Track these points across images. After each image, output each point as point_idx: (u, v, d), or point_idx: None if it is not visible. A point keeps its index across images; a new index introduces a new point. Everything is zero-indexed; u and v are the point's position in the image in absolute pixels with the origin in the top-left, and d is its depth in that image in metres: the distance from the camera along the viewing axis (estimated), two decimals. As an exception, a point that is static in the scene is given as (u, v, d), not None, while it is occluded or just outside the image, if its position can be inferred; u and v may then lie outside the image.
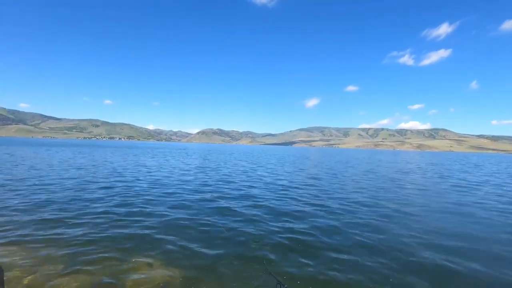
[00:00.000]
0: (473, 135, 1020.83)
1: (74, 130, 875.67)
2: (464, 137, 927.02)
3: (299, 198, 12.22)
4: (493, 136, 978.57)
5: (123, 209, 9.27)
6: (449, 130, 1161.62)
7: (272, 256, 6.04)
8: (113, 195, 11.28)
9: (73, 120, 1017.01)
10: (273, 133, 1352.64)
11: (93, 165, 22.46)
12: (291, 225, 8.24)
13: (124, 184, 14.11)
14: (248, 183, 15.90)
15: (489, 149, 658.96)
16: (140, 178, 16.41)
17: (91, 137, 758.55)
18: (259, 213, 9.50)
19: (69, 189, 12.21)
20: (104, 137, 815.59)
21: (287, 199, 11.85)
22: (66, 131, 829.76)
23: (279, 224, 8.25)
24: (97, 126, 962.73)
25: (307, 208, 10.24)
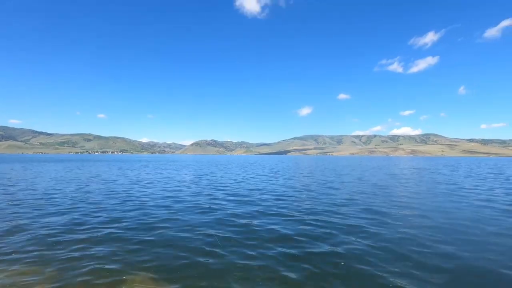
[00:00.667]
0: (464, 139, 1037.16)
1: (66, 145, 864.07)
2: (456, 141, 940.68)
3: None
4: (483, 139, 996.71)
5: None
6: (440, 135, 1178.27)
7: None
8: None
9: (64, 135, 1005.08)
10: (267, 142, 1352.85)
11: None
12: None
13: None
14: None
15: (480, 152, 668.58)
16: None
17: (83, 152, 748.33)
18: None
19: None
20: (97, 151, 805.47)
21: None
22: (58, 146, 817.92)
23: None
24: (89, 140, 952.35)
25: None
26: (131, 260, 6.25)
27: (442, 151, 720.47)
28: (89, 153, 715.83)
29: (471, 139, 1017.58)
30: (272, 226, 8.99)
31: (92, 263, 6.05)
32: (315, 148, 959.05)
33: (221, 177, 27.50)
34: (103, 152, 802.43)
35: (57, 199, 13.56)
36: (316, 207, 12.04)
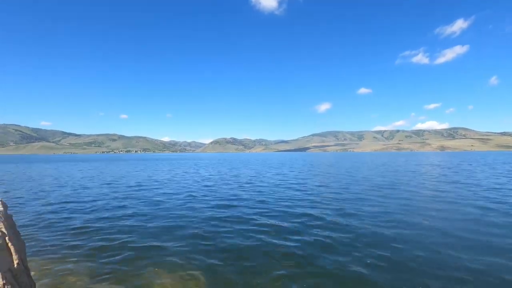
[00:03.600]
0: (496, 132, 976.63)
1: (93, 145, 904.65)
2: (487, 135, 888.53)
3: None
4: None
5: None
6: (469, 129, 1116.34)
7: None
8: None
9: (91, 135, 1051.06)
10: (286, 139, 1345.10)
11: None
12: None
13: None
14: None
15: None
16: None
17: (109, 151, 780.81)
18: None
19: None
20: (121, 151, 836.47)
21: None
22: (85, 146, 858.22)
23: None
24: (114, 140, 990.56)
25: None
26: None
27: (472, 145, 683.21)
28: (115, 152, 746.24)
29: (503, 132, 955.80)
30: None
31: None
32: (335, 145, 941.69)
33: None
34: (127, 151, 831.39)
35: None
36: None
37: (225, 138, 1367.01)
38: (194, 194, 15.64)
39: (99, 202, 13.34)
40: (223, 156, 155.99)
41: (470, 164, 42.86)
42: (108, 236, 8.20)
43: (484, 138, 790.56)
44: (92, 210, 11.59)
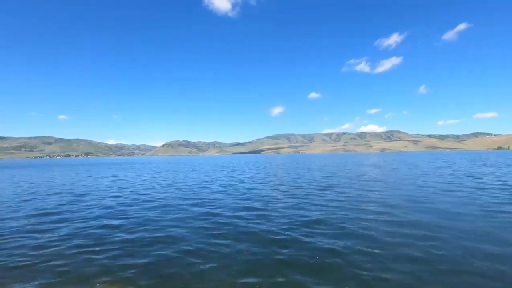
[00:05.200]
0: (424, 135, 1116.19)
1: (23, 149, 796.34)
2: (417, 137, 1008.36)
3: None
4: (440, 135, 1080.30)
5: None
6: (403, 132, 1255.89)
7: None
8: None
9: (20, 138, 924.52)
10: (240, 142, 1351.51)
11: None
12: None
13: None
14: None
15: (439, 147, 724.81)
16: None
17: (43, 156, 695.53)
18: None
19: None
20: (59, 155, 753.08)
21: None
22: (13, 151, 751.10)
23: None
24: (49, 143, 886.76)
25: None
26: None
27: (405, 146, 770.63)
28: (50, 157, 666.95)
29: (430, 135, 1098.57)
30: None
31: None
32: (289, 147, 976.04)
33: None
34: (65, 155, 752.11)
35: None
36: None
37: (177, 141, 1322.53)
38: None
39: None
40: (169, 159, 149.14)
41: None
42: None
43: (415, 140, 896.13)
44: None
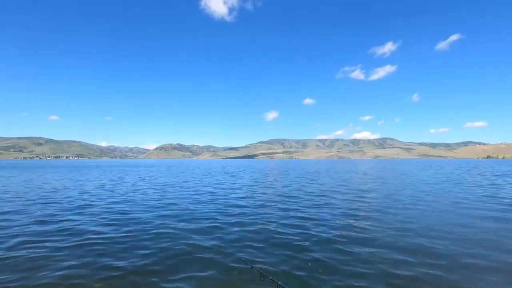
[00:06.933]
0: (416, 142, 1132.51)
1: (12, 149, 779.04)
2: (409, 145, 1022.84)
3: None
4: (431, 143, 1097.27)
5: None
6: (395, 139, 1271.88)
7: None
8: None
9: (9, 138, 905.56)
10: (234, 146, 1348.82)
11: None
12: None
13: None
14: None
15: (431, 155, 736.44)
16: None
17: (33, 157, 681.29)
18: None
19: None
20: (49, 156, 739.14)
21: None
22: (1, 151, 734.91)
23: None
24: (40, 144, 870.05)
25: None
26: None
27: (398, 154, 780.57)
28: (40, 158, 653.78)
29: (421, 142, 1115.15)
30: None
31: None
32: (283, 152, 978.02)
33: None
34: (56, 157, 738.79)
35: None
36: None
37: (171, 144, 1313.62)
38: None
39: None
40: (160, 162, 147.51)
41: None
42: None
43: (407, 147, 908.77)
44: None
